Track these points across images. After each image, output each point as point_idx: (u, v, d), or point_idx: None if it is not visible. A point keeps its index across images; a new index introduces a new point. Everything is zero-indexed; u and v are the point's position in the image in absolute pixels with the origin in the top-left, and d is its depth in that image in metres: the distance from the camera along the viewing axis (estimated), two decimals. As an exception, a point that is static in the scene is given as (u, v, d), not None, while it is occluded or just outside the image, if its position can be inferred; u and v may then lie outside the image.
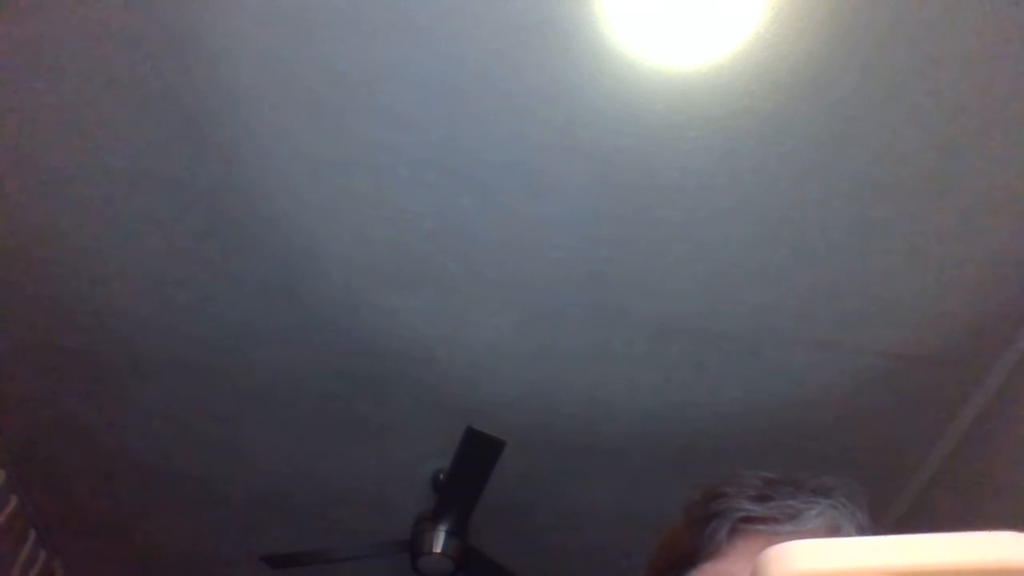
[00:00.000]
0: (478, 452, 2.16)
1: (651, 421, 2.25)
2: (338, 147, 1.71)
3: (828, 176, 1.66)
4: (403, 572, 2.52)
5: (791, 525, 0.58)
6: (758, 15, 1.41)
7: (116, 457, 2.55)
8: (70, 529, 2.81)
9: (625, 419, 2.26)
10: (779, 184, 1.69)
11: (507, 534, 2.65)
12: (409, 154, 1.71)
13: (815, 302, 1.90)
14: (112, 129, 1.71)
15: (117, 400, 2.36)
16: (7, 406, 2.37)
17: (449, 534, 2.40)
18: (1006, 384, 1.96)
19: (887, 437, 2.20)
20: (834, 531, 0.59)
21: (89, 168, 1.78)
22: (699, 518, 0.60)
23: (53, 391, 2.33)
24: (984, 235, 1.73)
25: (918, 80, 1.49)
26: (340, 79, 1.59)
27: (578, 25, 1.46)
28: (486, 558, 2.50)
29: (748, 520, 0.59)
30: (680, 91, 1.54)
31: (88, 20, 1.52)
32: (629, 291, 1.93)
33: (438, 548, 2.39)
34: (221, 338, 2.16)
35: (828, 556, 0.27)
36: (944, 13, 1.39)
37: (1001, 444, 1.97)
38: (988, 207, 1.68)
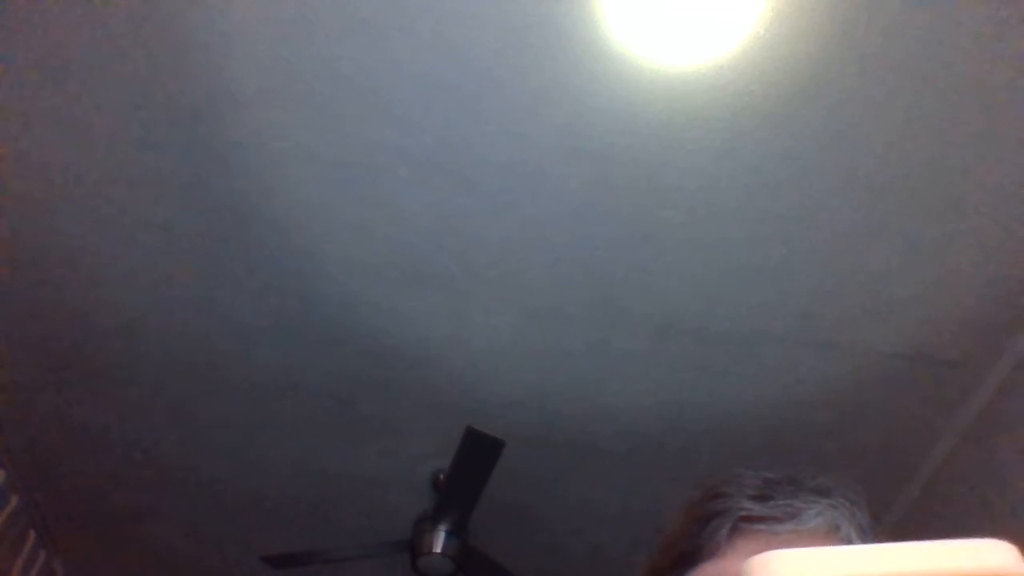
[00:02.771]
0: (478, 452, 2.16)
1: (651, 421, 2.25)
2: (338, 147, 1.71)
3: (828, 176, 1.66)
4: (403, 572, 2.52)
5: (791, 524, 0.58)
6: (758, 15, 1.41)
7: (116, 457, 2.55)
8: (70, 529, 2.81)
9: (625, 419, 2.26)
10: (779, 184, 1.69)
11: (507, 534, 2.65)
12: (409, 154, 1.71)
13: (815, 302, 1.90)
14: (112, 129, 1.71)
15: (117, 400, 2.36)
16: (7, 406, 2.37)
17: (449, 534, 2.40)
18: (1006, 384, 1.96)
19: (887, 437, 2.20)
20: (833, 531, 0.59)
21: (89, 168, 1.78)
22: (699, 517, 0.60)
23: (53, 391, 2.33)
24: (984, 235, 1.73)
25: (918, 80, 1.49)
26: (340, 79, 1.59)
27: (578, 25, 1.46)
28: (486, 558, 2.49)
29: (748, 519, 0.59)
30: (680, 91, 1.54)
31: (89, 20, 1.52)
32: (629, 291, 1.93)
33: (438, 548, 2.39)
34: (221, 338, 2.16)
35: (811, 565, 0.27)
36: (943, 13, 1.39)
37: (1001, 444, 1.97)
38: (988, 207, 1.68)
